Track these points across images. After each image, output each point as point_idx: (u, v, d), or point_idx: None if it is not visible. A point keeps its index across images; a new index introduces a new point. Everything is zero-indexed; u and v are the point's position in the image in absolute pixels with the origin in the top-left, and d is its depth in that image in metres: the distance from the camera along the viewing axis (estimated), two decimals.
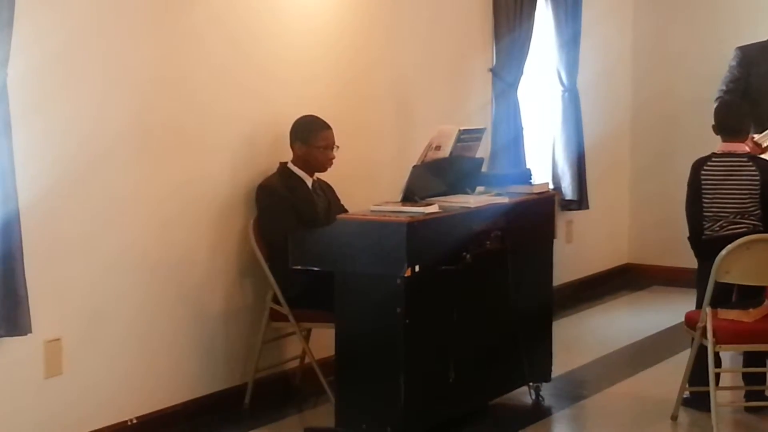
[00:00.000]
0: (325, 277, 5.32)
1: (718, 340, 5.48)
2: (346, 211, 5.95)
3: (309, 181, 5.99)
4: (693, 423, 5.86)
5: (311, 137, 5.92)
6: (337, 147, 5.99)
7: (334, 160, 5.99)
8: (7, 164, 4.69)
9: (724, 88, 7.36)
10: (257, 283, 6.04)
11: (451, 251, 5.36)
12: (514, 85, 7.78)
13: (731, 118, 6.00)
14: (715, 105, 6.40)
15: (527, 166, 7.62)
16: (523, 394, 6.13)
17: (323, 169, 6.02)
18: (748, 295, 5.72)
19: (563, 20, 8.29)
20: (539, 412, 6.09)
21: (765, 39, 7.57)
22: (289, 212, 5.81)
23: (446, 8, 7.43)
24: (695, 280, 5.98)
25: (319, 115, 6.00)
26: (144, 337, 5.52)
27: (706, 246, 5.82)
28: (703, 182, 5.89)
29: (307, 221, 5.80)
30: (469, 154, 5.97)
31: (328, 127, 5.96)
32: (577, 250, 8.75)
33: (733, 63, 7.42)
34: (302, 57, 6.32)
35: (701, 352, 5.59)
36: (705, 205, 5.88)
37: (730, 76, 7.39)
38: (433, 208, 5.31)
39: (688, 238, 5.99)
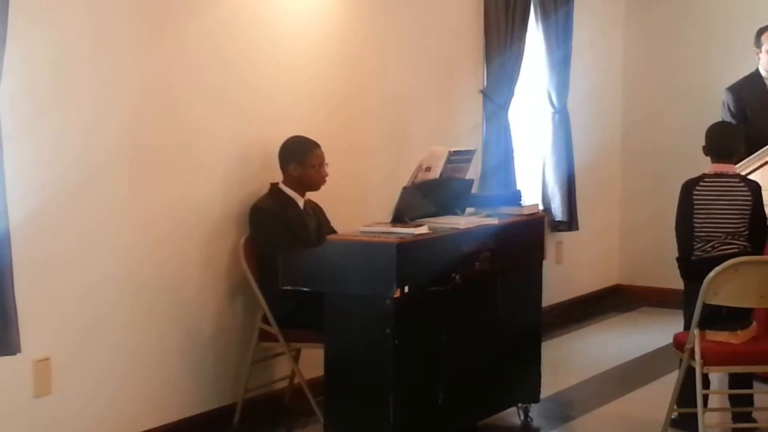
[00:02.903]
0: (314, 298, 5.32)
1: (706, 361, 5.49)
2: (335, 232, 5.96)
3: (301, 202, 6.01)
4: None
5: (306, 157, 5.96)
6: (327, 164, 6.02)
7: (327, 177, 6.03)
8: None
9: None
10: (247, 303, 6.05)
11: (440, 272, 5.37)
12: (504, 106, 7.81)
13: (722, 139, 6.03)
14: None
15: (517, 188, 7.64)
16: (512, 415, 6.14)
17: (318, 187, 6.05)
18: (735, 317, 5.73)
19: (554, 42, 8.33)
20: None
21: (750, 72, 7.70)
22: (284, 231, 5.83)
23: (437, 30, 7.46)
24: (682, 301, 6.00)
25: (309, 136, 6.03)
26: (133, 357, 5.52)
27: (696, 266, 5.83)
28: (695, 202, 5.90)
29: (299, 241, 5.82)
30: (459, 175, 5.98)
31: (318, 145, 6.01)
32: (567, 271, 8.77)
33: (729, 104, 7.60)
34: (293, 77, 6.34)
35: (689, 373, 5.59)
36: (696, 225, 5.89)
37: (728, 118, 7.50)
38: (423, 230, 5.33)
39: (677, 258, 6.00)
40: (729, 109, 7.65)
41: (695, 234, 5.89)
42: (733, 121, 7.43)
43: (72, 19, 5.15)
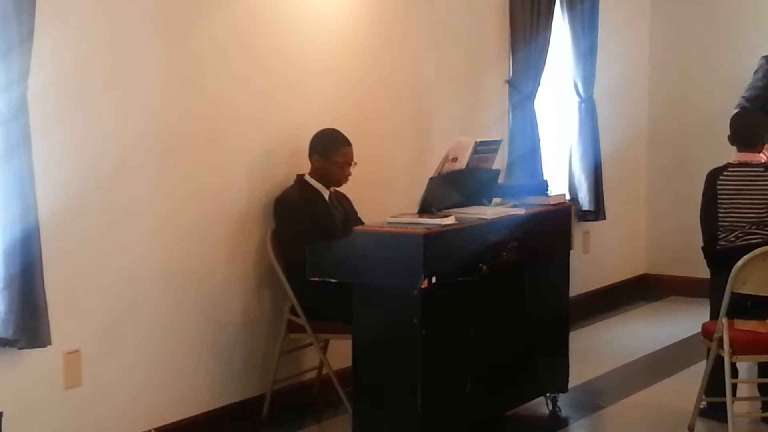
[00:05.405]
0: (342, 289, 5.34)
1: (735, 350, 5.48)
2: (362, 222, 5.97)
3: (326, 194, 6.01)
4: None
5: (331, 152, 5.94)
6: (355, 164, 6.00)
7: (350, 177, 6.02)
8: (27, 176, 4.72)
9: (746, 95, 7.39)
10: (275, 294, 6.07)
11: (467, 262, 5.37)
12: (530, 96, 7.80)
13: (747, 128, 6.01)
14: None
15: (544, 177, 7.63)
16: (540, 405, 6.14)
17: (338, 185, 6.05)
18: (763, 306, 5.71)
19: (580, 32, 8.30)
20: (556, 423, 6.10)
21: None
22: (307, 224, 5.84)
23: (463, 20, 7.45)
24: (708, 291, 5.99)
25: (336, 127, 6.03)
26: (162, 349, 5.55)
27: (720, 256, 5.82)
28: (719, 192, 5.89)
29: (324, 233, 5.83)
30: (485, 165, 5.99)
31: (349, 144, 5.98)
32: (594, 261, 8.75)
33: (758, 72, 7.47)
34: (319, 69, 6.34)
35: (718, 362, 5.59)
36: (720, 215, 5.88)
37: (753, 86, 7.42)
38: (450, 220, 5.33)
39: (702, 248, 5.99)
40: (757, 76, 7.52)
41: (719, 223, 5.88)
42: (758, 84, 7.35)
43: (101, 7, 5.16)
